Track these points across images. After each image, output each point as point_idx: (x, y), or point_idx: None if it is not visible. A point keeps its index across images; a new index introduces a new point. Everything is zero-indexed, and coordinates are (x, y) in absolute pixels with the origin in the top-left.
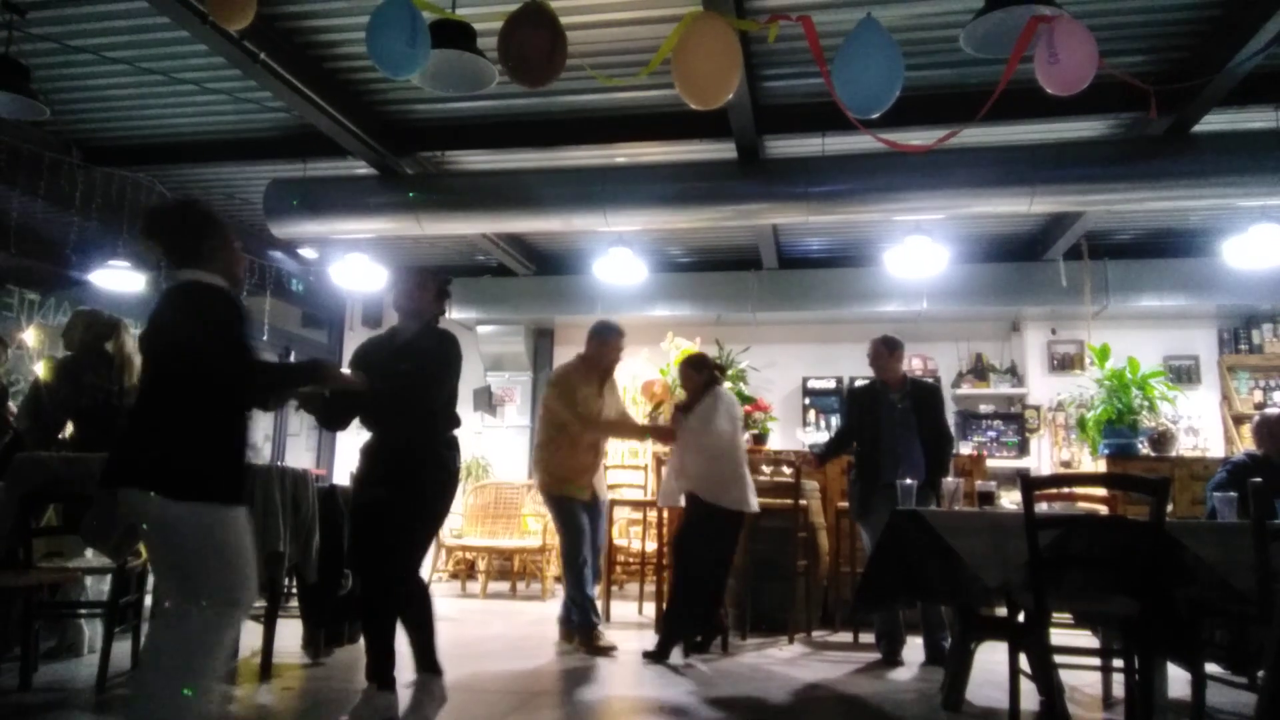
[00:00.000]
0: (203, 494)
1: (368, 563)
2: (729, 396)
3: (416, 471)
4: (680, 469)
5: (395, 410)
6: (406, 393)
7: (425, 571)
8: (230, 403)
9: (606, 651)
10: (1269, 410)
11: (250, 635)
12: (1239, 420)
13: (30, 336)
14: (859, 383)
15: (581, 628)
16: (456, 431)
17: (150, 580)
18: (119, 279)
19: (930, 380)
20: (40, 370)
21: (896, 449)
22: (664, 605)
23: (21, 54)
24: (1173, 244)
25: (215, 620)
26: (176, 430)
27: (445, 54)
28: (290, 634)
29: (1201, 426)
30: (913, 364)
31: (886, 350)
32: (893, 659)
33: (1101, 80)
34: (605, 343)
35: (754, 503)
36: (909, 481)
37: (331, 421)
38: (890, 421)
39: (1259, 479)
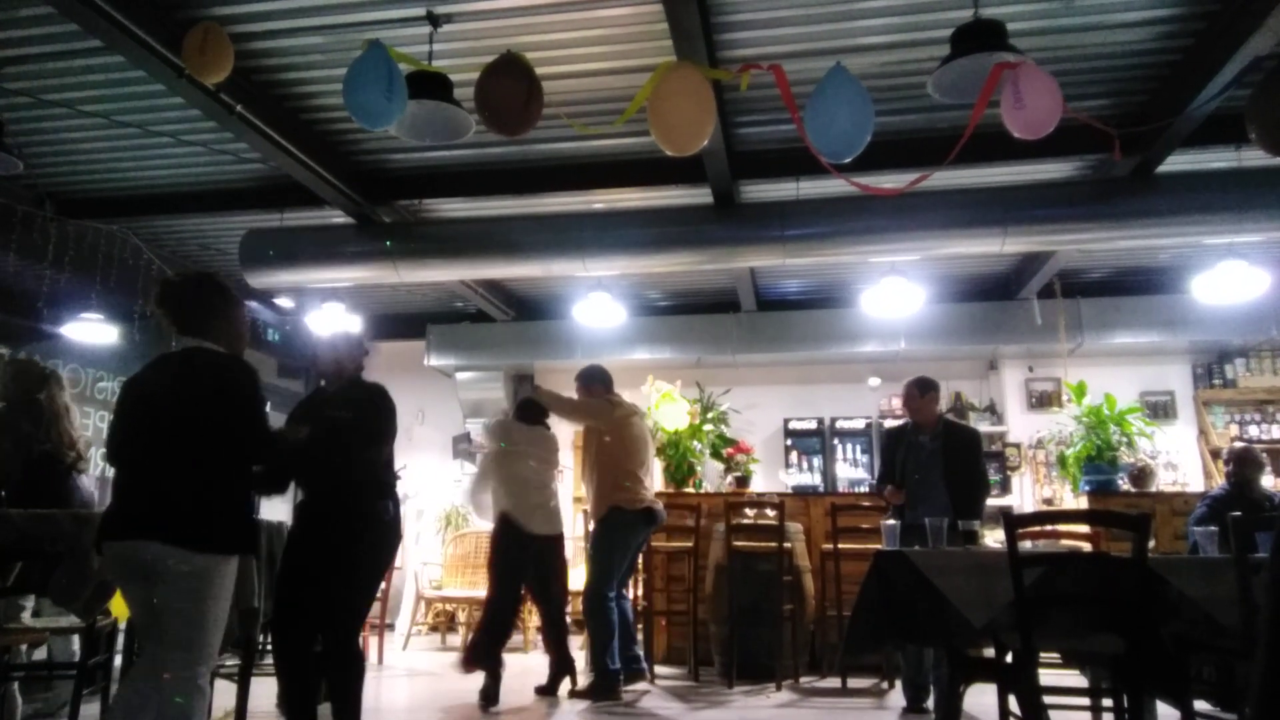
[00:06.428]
0: (220, 546)
1: (303, 624)
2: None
3: (356, 524)
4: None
5: (332, 459)
6: (343, 439)
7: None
8: (242, 463)
9: None
10: (1236, 444)
11: (223, 694)
12: (1216, 455)
13: None
14: (891, 423)
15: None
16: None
17: (120, 641)
18: (92, 331)
19: (967, 425)
20: None
21: (916, 490)
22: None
23: None
24: (1144, 281)
25: (204, 674)
26: (195, 486)
27: (422, 105)
28: (265, 693)
29: (1180, 461)
30: (892, 403)
31: (918, 392)
32: (918, 705)
33: (1067, 124)
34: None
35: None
36: (936, 520)
37: (271, 485)
38: (914, 463)
39: (1239, 512)
